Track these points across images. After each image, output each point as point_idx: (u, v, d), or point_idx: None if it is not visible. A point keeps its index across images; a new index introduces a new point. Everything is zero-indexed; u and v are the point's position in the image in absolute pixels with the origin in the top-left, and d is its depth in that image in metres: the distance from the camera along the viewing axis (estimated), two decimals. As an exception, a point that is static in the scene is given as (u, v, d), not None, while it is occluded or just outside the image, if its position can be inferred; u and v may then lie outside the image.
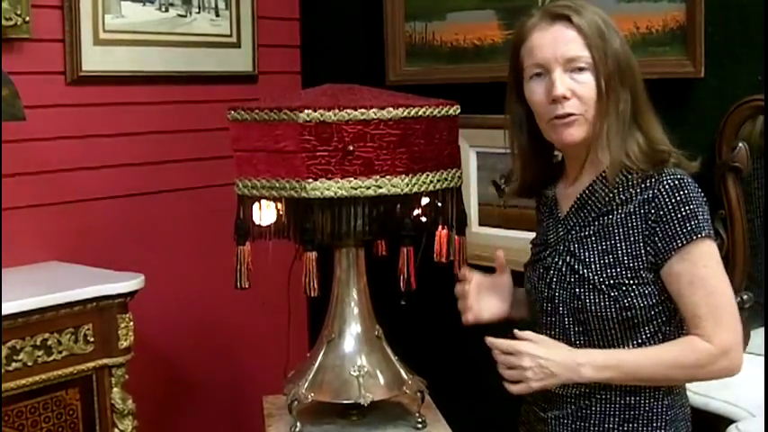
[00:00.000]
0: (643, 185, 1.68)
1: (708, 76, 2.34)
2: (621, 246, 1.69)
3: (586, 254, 1.72)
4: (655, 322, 1.70)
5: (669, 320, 1.71)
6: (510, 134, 1.84)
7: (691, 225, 1.64)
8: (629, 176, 1.69)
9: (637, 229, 1.68)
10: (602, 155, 1.69)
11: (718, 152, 2.28)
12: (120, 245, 2.86)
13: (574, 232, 1.76)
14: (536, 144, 1.80)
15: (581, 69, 1.67)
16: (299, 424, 2.31)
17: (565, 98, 1.67)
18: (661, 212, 1.65)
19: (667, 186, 1.66)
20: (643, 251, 1.67)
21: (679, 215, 1.64)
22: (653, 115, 1.73)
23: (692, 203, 1.65)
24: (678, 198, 1.64)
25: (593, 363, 1.65)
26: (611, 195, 1.70)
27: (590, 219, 1.73)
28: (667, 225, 1.64)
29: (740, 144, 2.24)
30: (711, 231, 1.67)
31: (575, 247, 1.74)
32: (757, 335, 2.15)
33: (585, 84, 1.67)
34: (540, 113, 1.73)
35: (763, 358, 2.07)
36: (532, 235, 2.49)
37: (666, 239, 1.65)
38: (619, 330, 1.69)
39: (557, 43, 1.68)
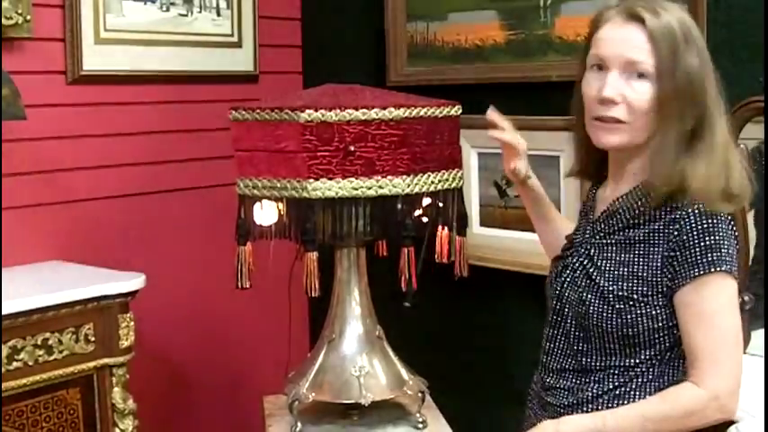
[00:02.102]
0: (673, 205, 1.63)
1: (709, 77, 2.33)
2: (639, 261, 1.65)
3: (603, 261, 1.69)
4: (657, 347, 1.67)
5: (672, 348, 1.68)
6: (575, 114, 1.79)
7: (712, 256, 1.59)
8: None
9: (658, 248, 1.64)
10: (651, 172, 1.64)
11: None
12: (121, 244, 2.86)
13: (598, 237, 1.73)
14: None
15: (640, 76, 1.61)
16: (299, 424, 2.31)
17: (613, 102, 1.62)
18: (684, 237, 1.60)
19: (697, 211, 1.60)
20: (660, 272, 1.63)
21: (702, 243, 1.59)
22: (723, 143, 1.64)
23: (717, 234, 1.59)
24: (704, 226, 1.60)
25: (576, 422, 1.65)
26: (642, 209, 1.66)
27: (617, 228, 1.70)
28: (688, 251, 1.60)
29: (741, 145, 2.23)
30: (733, 268, 1.61)
31: (594, 252, 1.72)
32: (757, 335, 2.15)
33: (640, 92, 1.61)
34: (587, 107, 1.69)
35: (762, 359, 2.07)
36: (533, 236, 2.49)
37: (684, 265, 1.60)
38: (618, 346, 1.68)
39: (623, 43, 1.62)
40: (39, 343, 2.28)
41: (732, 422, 2.04)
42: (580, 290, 1.71)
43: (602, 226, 1.74)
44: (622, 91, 1.62)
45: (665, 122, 1.62)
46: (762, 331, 2.16)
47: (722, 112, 1.66)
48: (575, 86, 1.78)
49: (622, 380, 1.69)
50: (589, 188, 1.91)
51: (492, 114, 1.91)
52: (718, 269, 1.59)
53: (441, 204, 2.25)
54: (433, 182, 2.19)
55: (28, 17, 2.55)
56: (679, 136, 1.62)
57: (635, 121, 1.63)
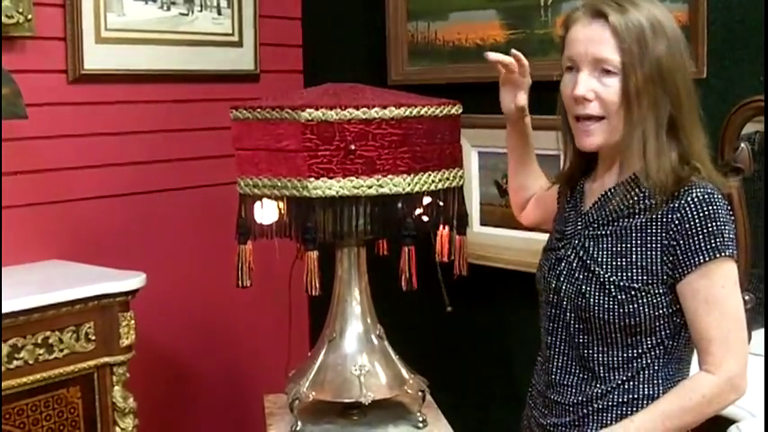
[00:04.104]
0: (670, 195, 1.64)
1: (710, 77, 2.34)
2: (637, 251, 1.66)
3: (600, 253, 1.70)
4: (658, 335, 1.68)
5: (674, 335, 1.69)
6: (562, 119, 1.81)
7: (715, 242, 1.61)
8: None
9: (656, 237, 1.65)
10: (638, 164, 1.66)
11: (720, 153, 2.28)
12: (122, 243, 2.86)
13: (591, 229, 1.74)
14: None
15: (608, 72, 1.64)
16: (299, 423, 2.31)
17: (586, 99, 1.65)
18: (687, 225, 1.62)
19: (696, 199, 1.62)
20: (659, 260, 1.65)
21: (704, 230, 1.61)
22: (698, 126, 1.69)
23: (718, 220, 1.62)
24: (705, 213, 1.61)
25: None
26: (635, 199, 1.68)
27: (610, 219, 1.71)
28: (691, 239, 1.62)
29: (742, 144, 2.23)
30: (734, 252, 1.64)
31: (589, 244, 1.73)
32: (757, 335, 2.15)
33: (610, 87, 1.64)
34: (567, 107, 1.72)
35: (762, 358, 2.07)
36: (533, 235, 2.49)
37: (688, 254, 1.62)
38: (620, 336, 1.68)
39: (589, 42, 1.65)
40: (39, 342, 2.28)
41: (733, 421, 2.05)
42: (578, 282, 1.71)
43: (595, 217, 1.75)
44: (593, 88, 1.65)
45: (640, 113, 1.64)
46: (762, 331, 2.16)
47: (696, 96, 1.70)
48: (560, 89, 1.81)
49: (629, 374, 1.70)
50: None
51: (491, 55, 1.97)
52: (721, 254, 1.62)
53: (441, 203, 2.25)
54: (433, 181, 2.19)
55: (29, 16, 2.56)
56: (658, 124, 1.65)
57: (610, 117, 1.66)
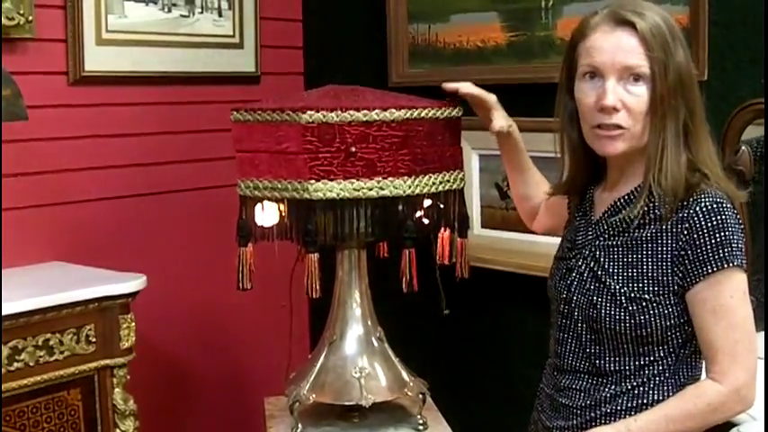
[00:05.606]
0: (680, 204, 1.63)
1: (711, 79, 2.34)
2: (648, 262, 1.65)
3: (611, 264, 1.69)
4: (670, 343, 1.68)
5: (685, 343, 1.68)
6: (559, 129, 1.80)
7: (723, 252, 1.60)
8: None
9: (667, 247, 1.64)
10: (650, 171, 1.64)
11: (721, 155, 2.27)
12: (122, 245, 2.86)
13: (602, 239, 1.73)
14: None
15: (636, 79, 1.62)
16: (300, 425, 2.31)
17: (614, 109, 1.63)
18: (695, 235, 1.61)
19: (705, 209, 1.62)
20: (670, 271, 1.64)
21: (713, 240, 1.60)
22: (706, 134, 1.69)
23: (727, 230, 1.61)
24: (714, 222, 1.61)
25: None
26: (645, 209, 1.66)
27: (621, 229, 1.70)
28: (699, 249, 1.61)
29: (743, 147, 2.23)
30: (743, 261, 1.63)
31: (600, 255, 1.72)
32: (758, 338, 2.14)
33: (638, 96, 1.62)
34: (586, 116, 1.69)
35: (763, 361, 2.06)
36: (534, 238, 2.49)
37: (697, 263, 1.61)
38: (632, 346, 1.68)
39: (617, 50, 1.63)
40: (40, 344, 2.28)
41: (734, 425, 2.04)
42: (590, 293, 1.70)
43: (605, 227, 1.74)
44: (621, 97, 1.63)
45: (662, 121, 1.63)
46: (762, 334, 2.15)
47: (703, 101, 1.69)
48: (557, 96, 1.80)
49: (640, 380, 1.69)
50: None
51: (448, 85, 2.06)
52: (730, 265, 1.61)
53: (442, 206, 2.25)
54: (434, 183, 2.19)
55: (30, 17, 2.56)
56: (677, 131, 1.64)
57: (634, 126, 1.65)
